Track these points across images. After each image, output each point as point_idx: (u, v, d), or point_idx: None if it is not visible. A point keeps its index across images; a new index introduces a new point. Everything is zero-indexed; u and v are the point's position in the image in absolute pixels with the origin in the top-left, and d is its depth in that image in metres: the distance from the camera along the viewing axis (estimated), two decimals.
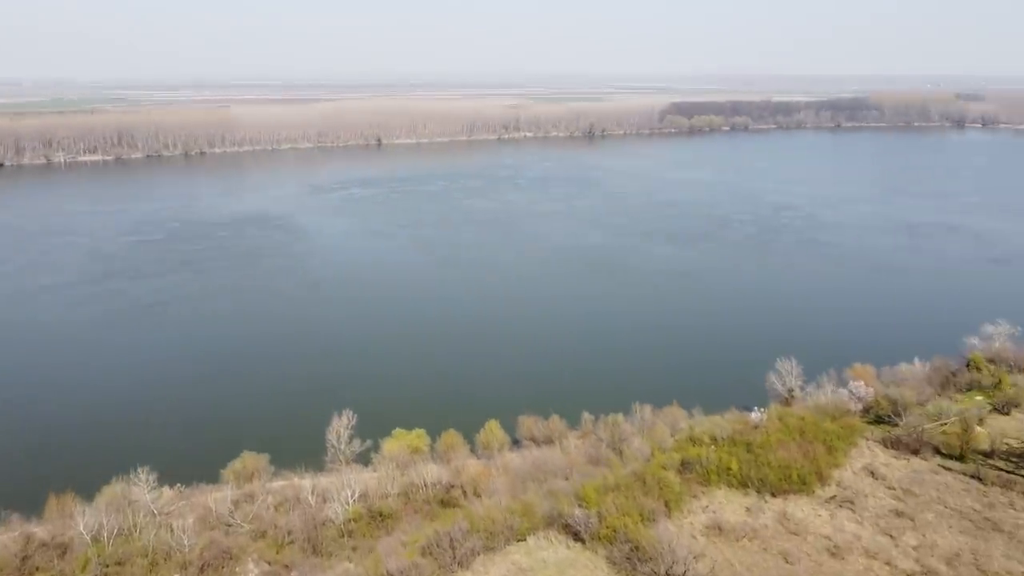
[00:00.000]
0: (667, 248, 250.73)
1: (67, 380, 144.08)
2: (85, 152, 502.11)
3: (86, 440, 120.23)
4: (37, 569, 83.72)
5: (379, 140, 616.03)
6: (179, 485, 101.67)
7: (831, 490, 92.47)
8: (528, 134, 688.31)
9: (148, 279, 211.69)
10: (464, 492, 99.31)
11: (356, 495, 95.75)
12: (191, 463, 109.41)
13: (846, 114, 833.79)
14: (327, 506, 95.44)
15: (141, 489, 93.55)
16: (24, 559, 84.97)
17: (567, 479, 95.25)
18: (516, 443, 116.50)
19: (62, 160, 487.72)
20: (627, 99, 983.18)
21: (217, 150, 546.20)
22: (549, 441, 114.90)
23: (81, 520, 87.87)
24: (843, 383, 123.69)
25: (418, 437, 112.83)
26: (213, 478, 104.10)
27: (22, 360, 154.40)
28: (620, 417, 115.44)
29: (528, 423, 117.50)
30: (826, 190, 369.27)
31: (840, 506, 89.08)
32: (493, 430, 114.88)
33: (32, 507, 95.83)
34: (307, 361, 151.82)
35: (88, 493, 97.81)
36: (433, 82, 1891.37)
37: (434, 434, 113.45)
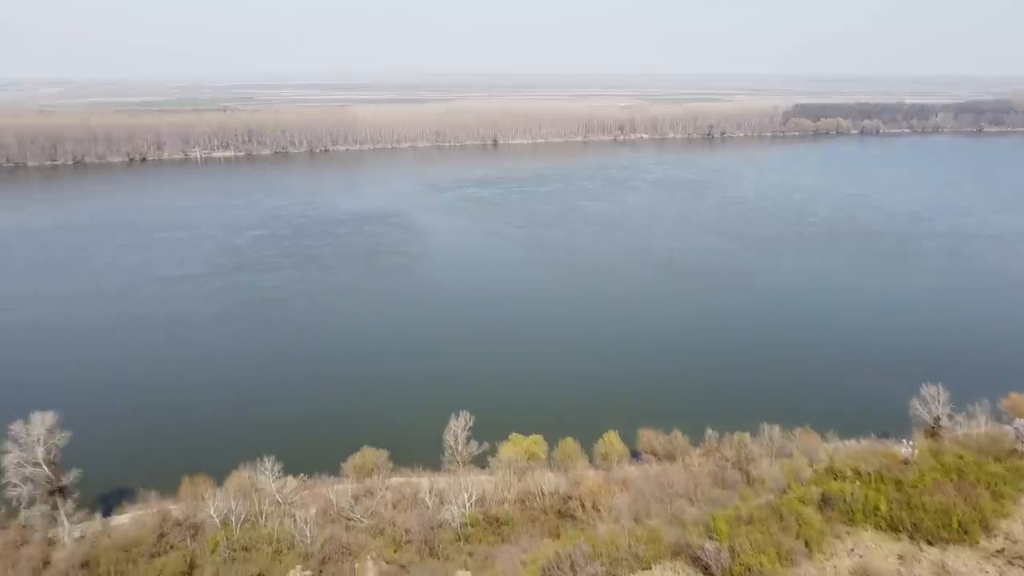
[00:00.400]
0: (792, 258, 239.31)
1: (198, 369, 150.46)
2: (219, 148, 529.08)
3: (216, 426, 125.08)
4: (172, 547, 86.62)
5: (495, 140, 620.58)
6: (302, 475, 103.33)
7: (998, 542, 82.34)
8: (644, 135, 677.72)
9: (273, 273, 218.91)
10: (582, 505, 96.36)
11: (473, 499, 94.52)
12: (313, 454, 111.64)
13: (988, 117, 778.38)
14: (444, 508, 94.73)
15: (267, 477, 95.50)
16: (160, 536, 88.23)
17: (692, 502, 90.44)
18: (635, 456, 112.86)
19: (198, 155, 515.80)
20: (747, 100, 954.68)
21: (340, 148, 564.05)
22: (670, 456, 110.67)
23: (212, 503, 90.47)
24: (998, 414, 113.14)
25: (535, 443, 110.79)
26: (333, 470, 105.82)
27: (159, 349, 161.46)
28: (747, 436, 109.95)
29: (648, 436, 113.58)
30: (971, 199, 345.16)
31: (1010, 562, 79.14)
32: (612, 441, 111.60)
33: (168, 487, 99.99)
34: (424, 359, 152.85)
35: (218, 476, 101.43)
36: (547, 83, 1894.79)
37: (551, 440, 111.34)
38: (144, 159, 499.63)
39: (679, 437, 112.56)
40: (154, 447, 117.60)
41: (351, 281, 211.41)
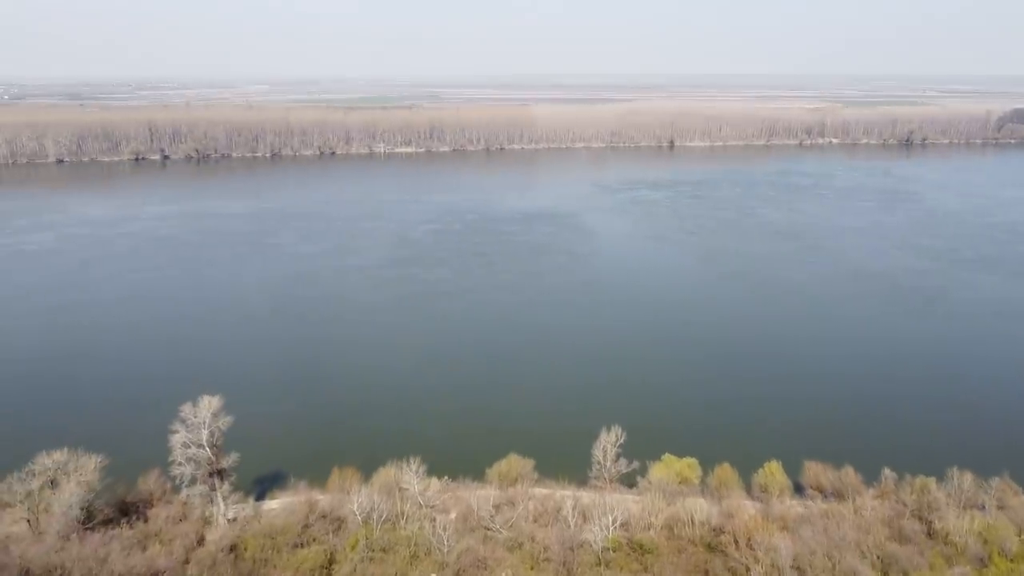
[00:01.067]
0: (998, 280, 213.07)
1: (357, 360, 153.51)
2: (401, 144, 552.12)
3: (368, 419, 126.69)
4: (314, 540, 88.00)
5: (671, 142, 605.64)
6: (446, 478, 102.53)
7: None
8: (834, 140, 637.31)
9: (443, 267, 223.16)
10: (735, 540, 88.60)
11: (617, 522, 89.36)
12: (459, 456, 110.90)
13: None
14: (586, 527, 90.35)
15: (411, 478, 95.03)
16: (305, 527, 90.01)
17: (864, 555, 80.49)
18: (798, 490, 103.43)
19: (382, 150, 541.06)
20: (951, 103, 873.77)
21: (516, 146, 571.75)
22: (839, 495, 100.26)
23: (356, 499, 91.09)
24: None
25: (689, 467, 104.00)
26: (478, 475, 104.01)
27: (320, 338, 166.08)
28: (931, 482, 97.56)
29: (814, 469, 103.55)
30: None
31: None
32: (773, 472, 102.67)
33: (318, 476, 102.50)
34: (579, 364, 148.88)
35: (367, 470, 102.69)
36: (728, 83, 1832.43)
37: (706, 465, 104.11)
38: (333, 153, 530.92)
39: (850, 474, 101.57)
40: (308, 435, 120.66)
41: (515, 279, 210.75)
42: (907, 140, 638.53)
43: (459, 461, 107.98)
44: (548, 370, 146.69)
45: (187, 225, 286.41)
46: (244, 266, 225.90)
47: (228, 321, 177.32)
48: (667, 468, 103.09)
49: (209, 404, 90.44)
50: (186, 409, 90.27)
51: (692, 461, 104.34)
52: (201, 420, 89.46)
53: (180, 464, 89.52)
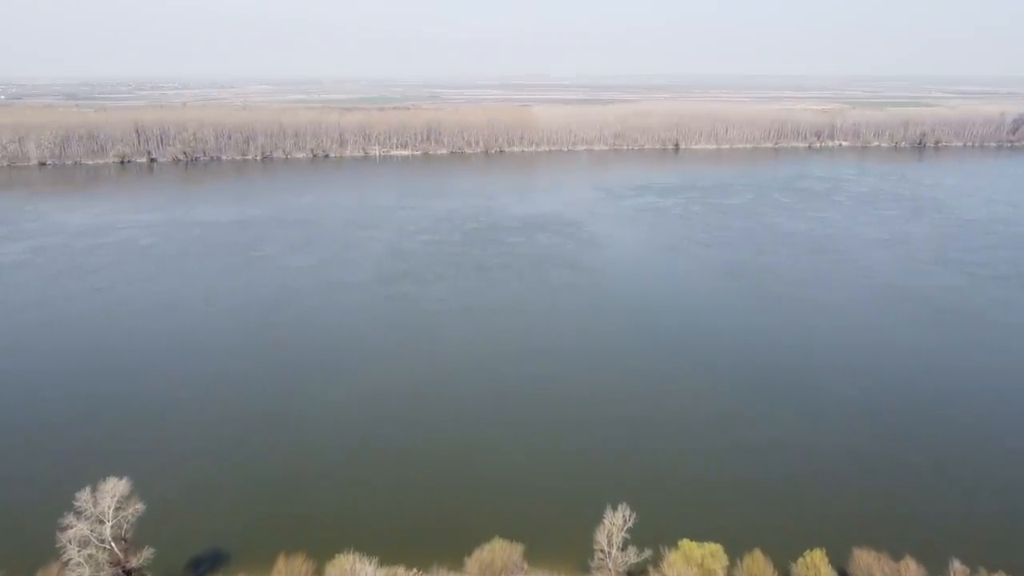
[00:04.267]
0: None
1: (320, 410, 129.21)
2: (397, 147, 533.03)
3: (327, 491, 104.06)
4: None
5: (676, 144, 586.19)
6: (415, 570, 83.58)
7: None
8: (844, 143, 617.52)
9: (438, 284, 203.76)
10: None
11: None
12: (433, 538, 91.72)
13: None
14: None
15: (368, 571, 75.80)
16: None
17: None
18: None
19: (377, 153, 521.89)
20: (963, 105, 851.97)
21: (516, 149, 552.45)
22: None
23: None
24: None
25: (712, 555, 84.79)
26: (456, 562, 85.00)
27: (289, 375, 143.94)
28: None
29: (867, 560, 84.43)
30: None
31: None
32: (817, 562, 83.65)
33: (262, 564, 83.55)
34: (580, 424, 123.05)
35: (323, 553, 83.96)
36: (733, 84, 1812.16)
37: (733, 552, 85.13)
38: (327, 155, 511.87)
39: (911, 567, 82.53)
40: (253, 510, 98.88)
41: (516, 300, 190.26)
42: (920, 143, 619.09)
43: (434, 543, 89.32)
44: (544, 429, 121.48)
45: (170, 235, 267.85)
46: (222, 282, 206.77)
47: (175, 358, 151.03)
48: (686, 558, 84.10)
49: (114, 490, 71.53)
50: (83, 497, 71.41)
51: (716, 548, 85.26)
52: (103, 510, 70.52)
53: (78, 564, 70.66)
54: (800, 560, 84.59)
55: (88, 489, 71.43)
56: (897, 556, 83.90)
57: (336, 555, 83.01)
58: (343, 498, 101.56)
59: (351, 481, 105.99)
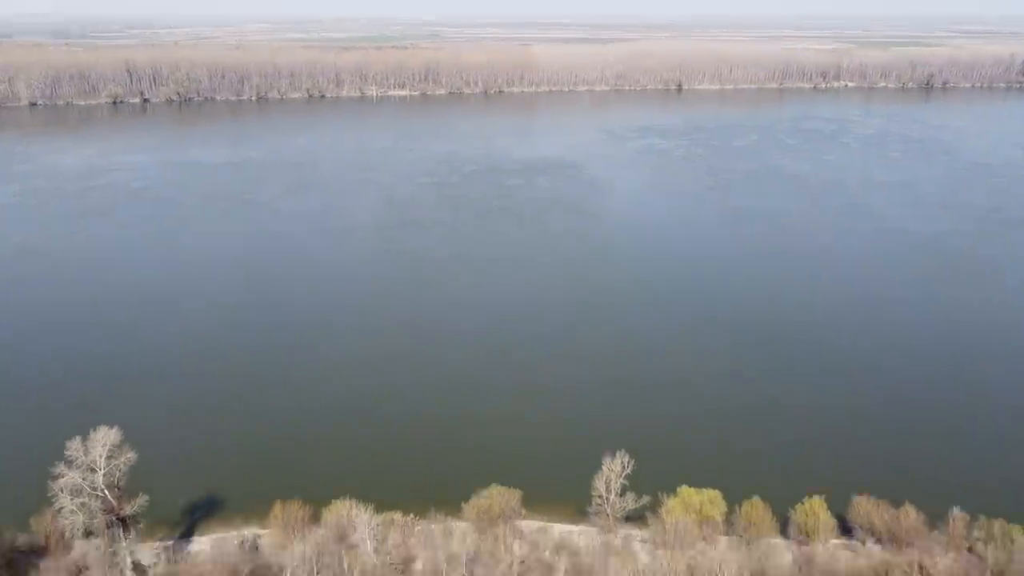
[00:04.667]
0: None
1: (317, 355, 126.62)
2: (395, 87, 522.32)
3: (324, 438, 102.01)
4: None
5: (679, 85, 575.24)
6: (412, 515, 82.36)
7: None
8: (849, 84, 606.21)
9: (436, 230, 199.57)
10: None
11: None
12: (430, 485, 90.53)
13: None
14: None
15: (363, 527, 73.73)
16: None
17: None
18: (845, 530, 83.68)
19: (374, 93, 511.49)
20: (968, 45, 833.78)
21: (515, 89, 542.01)
22: (895, 539, 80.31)
23: (296, 552, 70.80)
24: None
25: (711, 502, 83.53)
26: (454, 508, 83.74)
27: (284, 322, 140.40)
28: (1016, 530, 77.66)
29: (866, 506, 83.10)
30: None
31: None
32: (816, 509, 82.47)
33: (259, 511, 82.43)
34: (580, 370, 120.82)
35: (322, 496, 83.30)
36: (736, 23, 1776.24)
37: (732, 499, 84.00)
38: (323, 96, 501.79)
39: (911, 515, 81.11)
40: (250, 459, 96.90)
41: (516, 246, 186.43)
42: (927, 83, 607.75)
43: (431, 490, 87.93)
44: (544, 377, 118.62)
45: (163, 178, 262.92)
46: (216, 228, 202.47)
47: (167, 308, 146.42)
48: (684, 504, 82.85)
49: (104, 438, 69.54)
50: (74, 446, 69.40)
51: (715, 494, 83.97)
52: (94, 459, 68.61)
53: (71, 513, 69.00)
54: (799, 507, 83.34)
55: (79, 438, 69.46)
56: (897, 503, 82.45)
57: (332, 500, 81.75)
58: (340, 446, 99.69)
59: (348, 430, 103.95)
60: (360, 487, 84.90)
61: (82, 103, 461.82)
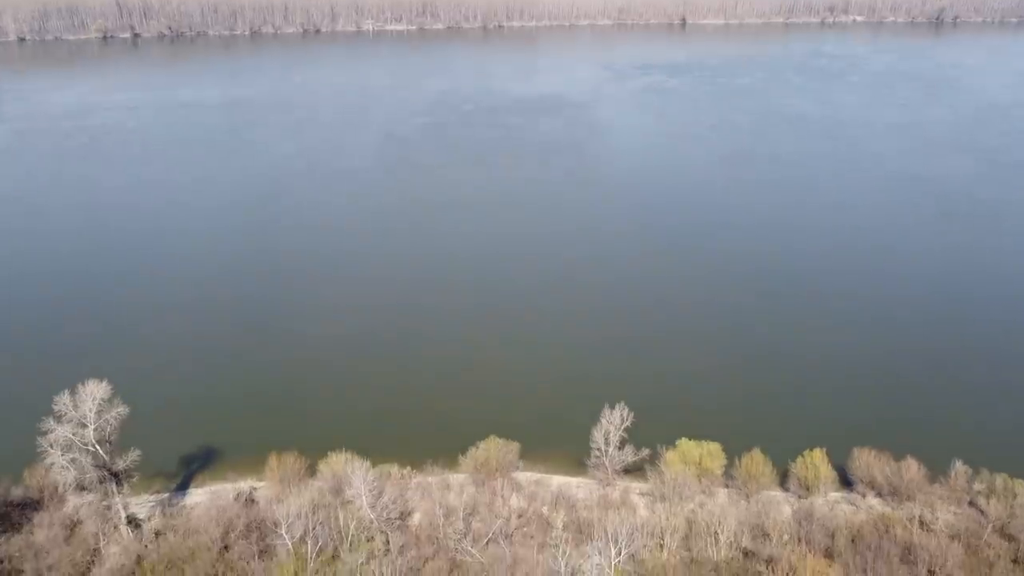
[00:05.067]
0: None
1: (313, 303, 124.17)
2: (392, 21, 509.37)
3: (319, 388, 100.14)
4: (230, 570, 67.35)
5: (683, 19, 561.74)
6: (408, 468, 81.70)
7: None
8: (858, 18, 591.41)
9: (434, 173, 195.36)
10: (771, 567, 67.92)
11: (622, 543, 67.36)
12: (429, 435, 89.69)
13: None
14: (584, 553, 69.18)
15: (360, 483, 72.35)
16: (224, 548, 69.16)
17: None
18: (845, 483, 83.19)
19: (370, 28, 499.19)
20: None
21: (515, 24, 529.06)
22: (896, 492, 79.86)
23: (285, 522, 69.53)
24: None
25: (710, 454, 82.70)
26: (451, 461, 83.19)
27: (278, 269, 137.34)
28: (1019, 485, 76.84)
29: (867, 459, 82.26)
30: None
31: None
32: (816, 462, 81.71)
33: (251, 467, 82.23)
34: (579, 320, 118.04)
35: (319, 448, 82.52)
36: None
37: (732, 451, 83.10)
38: (318, 31, 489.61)
39: (912, 468, 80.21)
40: (245, 411, 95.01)
41: (516, 189, 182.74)
42: (937, 18, 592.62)
43: (428, 441, 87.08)
44: (541, 328, 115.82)
45: (155, 118, 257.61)
46: (209, 171, 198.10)
47: (158, 257, 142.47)
48: (683, 456, 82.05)
49: (93, 392, 68.11)
50: (62, 401, 68.01)
51: (714, 447, 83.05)
52: (84, 413, 67.37)
53: (63, 469, 68.07)
54: (799, 459, 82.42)
55: (67, 392, 68.02)
56: (898, 456, 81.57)
57: (329, 453, 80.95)
58: (336, 398, 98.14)
59: (344, 381, 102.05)
60: (357, 438, 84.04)
61: (71, 38, 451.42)
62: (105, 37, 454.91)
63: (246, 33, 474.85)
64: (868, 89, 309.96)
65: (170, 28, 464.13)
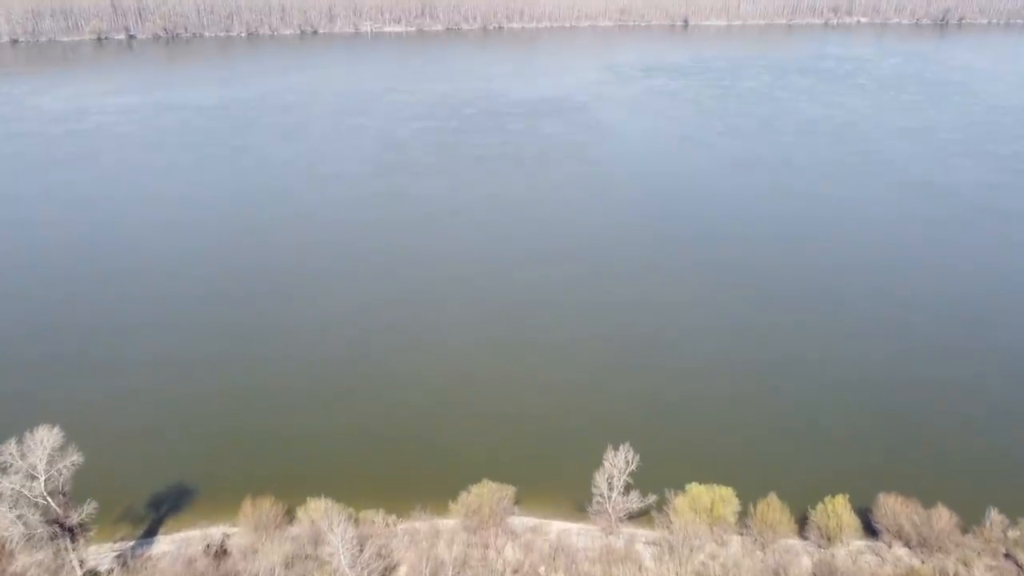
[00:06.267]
0: None
1: (296, 329, 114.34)
2: (390, 22, 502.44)
3: (301, 425, 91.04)
4: None
5: (686, 21, 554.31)
6: (393, 516, 75.05)
7: None
8: (862, 19, 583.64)
9: (434, 179, 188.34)
10: None
11: None
12: (417, 477, 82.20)
13: None
14: None
15: (338, 539, 65.59)
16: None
17: None
18: (872, 532, 76.07)
19: (368, 29, 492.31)
20: None
21: (515, 25, 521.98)
22: (923, 543, 72.95)
23: (270, 556, 63.58)
24: None
25: (723, 500, 75.78)
26: (440, 506, 76.49)
27: (259, 291, 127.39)
28: None
29: (893, 505, 75.22)
30: None
31: None
32: (838, 509, 74.62)
33: (228, 508, 75.12)
34: (580, 350, 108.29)
35: (300, 491, 75.64)
36: None
37: (745, 496, 76.12)
38: (315, 32, 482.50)
39: (943, 516, 73.43)
40: (206, 456, 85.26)
41: (517, 197, 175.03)
42: (942, 20, 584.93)
43: (416, 484, 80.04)
44: (539, 356, 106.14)
45: (149, 121, 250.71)
46: (197, 177, 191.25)
47: (128, 276, 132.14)
48: (693, 502, 75.27)
49: (45, 440, 61.44)
50: (8, 451, 61.36)
51: (727, 492, 76.09)
52: (33, 463, 60.72)
53: (11, 524, 61.32)
54: (820, 506, 75.53)
55: (13, 441, 61.44)
56: (928, 503, 74.58)
57: (308, 499, 74.34)
58: (315, 435, 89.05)
59: (324, 416, 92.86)
60: (341, 479, 78.05)
61: (65, 39, 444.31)
62: (100, 38, 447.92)
63: (243, 34, 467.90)
64: (876, 92, 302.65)
65: (165, 29, 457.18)
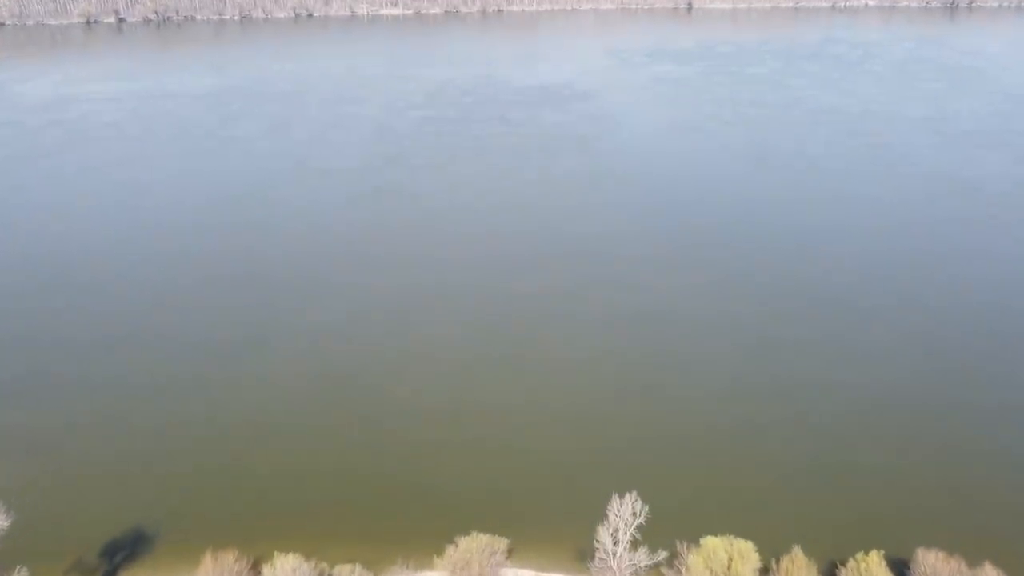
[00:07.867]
0: None
1: (272, 352, 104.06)
2: (387, 4, 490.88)
3: (277, 467, 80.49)
4: None
5: (690, 4, 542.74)
6: (371, 574, 66.32)
7: None
8: (870, 2, 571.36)
9: (433, 172, 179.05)
10: None
11: None
12: (392, 530, 72.25)
13: None
14: None
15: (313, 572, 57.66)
16: None
17: None
18: None
19: (365, 12, 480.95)
20: None
21: (515, 8, 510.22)
22: None
23: None
24: None
25: (742, 555, 66.72)
26: (423, 561, 67.81)
27: (235, 305, 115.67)
28: None
29: (934, 563, 65.87)
30: None
31: None
32: (871, 566, 65.72)
33: (180, 562, 66.74)
34: (581, 377, 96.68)
35: (269, 539, 67.07)
36: None
37: (767, 551, 67.18)
38: (310, 15, 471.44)
39: (989, 574, 64.78)
40: (159, 504, 75.04)
41: (517, 193, 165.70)
42: (952, 3, 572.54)
43: (397, 535, 70.91)
44: (536, 391, 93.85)
45: (136, 110, 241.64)
46: (180, 172, 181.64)
47: (82, 285, 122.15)
48: (708, 559, 66.42)
49: None
50: None
51: (746, 546, 67.00)
52: None
53: None
54: (851, 562, 66.84)
55: None
56: (973, 561, 65.70)
57: (275, 552, 65.60)
58: (287, 475, 78.70)
59: (298, 454, 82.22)
60: (312, 529, 69.41)
61: (53, 23, 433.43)
62: (89, 22, 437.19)
63: (235, 18, 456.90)
64: (890, 79, 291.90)
65: (156, 13, 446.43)
